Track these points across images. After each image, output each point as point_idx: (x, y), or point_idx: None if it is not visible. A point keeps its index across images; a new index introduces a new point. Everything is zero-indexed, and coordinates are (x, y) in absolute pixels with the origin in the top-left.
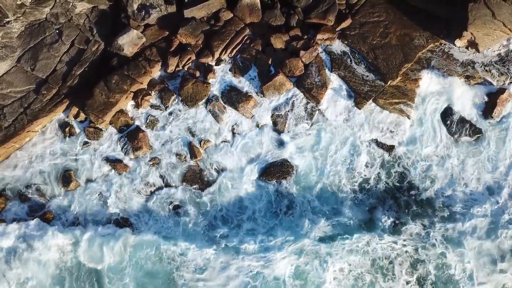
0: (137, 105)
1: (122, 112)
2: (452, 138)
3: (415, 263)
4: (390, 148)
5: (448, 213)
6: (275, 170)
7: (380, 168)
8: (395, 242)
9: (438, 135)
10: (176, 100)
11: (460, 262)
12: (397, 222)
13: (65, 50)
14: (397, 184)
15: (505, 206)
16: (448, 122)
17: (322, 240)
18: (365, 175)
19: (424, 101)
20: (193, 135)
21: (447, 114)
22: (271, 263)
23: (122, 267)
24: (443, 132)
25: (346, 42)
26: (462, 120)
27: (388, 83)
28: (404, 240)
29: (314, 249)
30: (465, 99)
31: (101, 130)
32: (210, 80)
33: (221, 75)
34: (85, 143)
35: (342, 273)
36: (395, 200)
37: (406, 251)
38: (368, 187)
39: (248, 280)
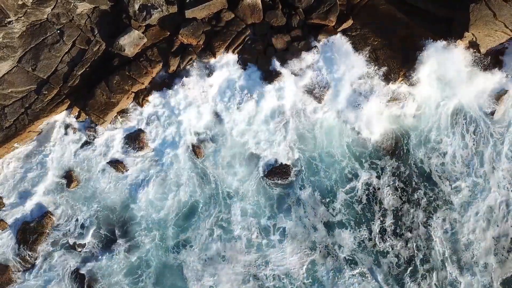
0: (138, 105)
1: (123, 112)
2: None
3: None
4: None
5: None
6: None
7: None
8: None
9: None
10: (177, 100)
11: None
12: None
13: (66, 50)
14: None
15: None
16: None
17: None
18: None
19: None
20: (195, 134)
21: None
22: None
23: None
24: None
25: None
26: None
27: (390, 84)
28: None
29: None
30: None
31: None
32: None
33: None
34: None
35: None
36: None
37: None
38: None
39: None
